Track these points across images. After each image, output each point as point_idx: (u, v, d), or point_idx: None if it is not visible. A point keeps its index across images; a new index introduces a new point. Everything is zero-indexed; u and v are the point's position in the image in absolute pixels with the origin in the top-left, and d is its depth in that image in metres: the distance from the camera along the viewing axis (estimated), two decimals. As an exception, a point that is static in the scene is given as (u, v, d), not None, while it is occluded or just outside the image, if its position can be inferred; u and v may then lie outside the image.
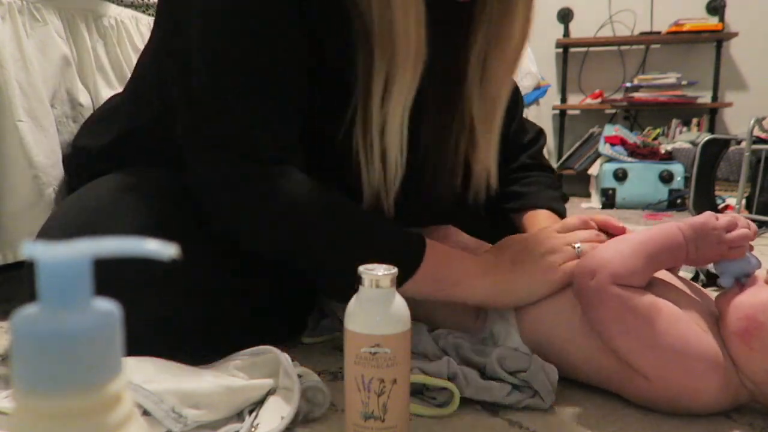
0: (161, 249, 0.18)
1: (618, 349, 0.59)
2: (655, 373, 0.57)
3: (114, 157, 0.78)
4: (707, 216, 0.60)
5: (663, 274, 0.64)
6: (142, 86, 0.80)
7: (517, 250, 0.70)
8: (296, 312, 0.82)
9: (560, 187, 0.98)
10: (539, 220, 0.87)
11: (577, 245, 0.68)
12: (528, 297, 0.68)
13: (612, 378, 0.61)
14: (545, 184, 0.94)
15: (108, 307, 0.20)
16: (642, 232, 0.62)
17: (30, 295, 0.64)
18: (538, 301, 0.67)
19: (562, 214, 0.89)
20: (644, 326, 0.57)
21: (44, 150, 0.88)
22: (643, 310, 0.57)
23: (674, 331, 0.56)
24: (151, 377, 0.53)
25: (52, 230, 0.68)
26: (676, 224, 0.60)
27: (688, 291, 0.63)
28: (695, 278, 1.07)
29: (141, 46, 1.04)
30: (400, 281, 0.58)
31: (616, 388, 0.62)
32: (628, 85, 3.31)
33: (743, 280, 0.58)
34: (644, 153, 2.91)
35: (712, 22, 3.22)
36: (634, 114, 3.46)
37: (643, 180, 2.81)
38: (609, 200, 2.86)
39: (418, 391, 0.60)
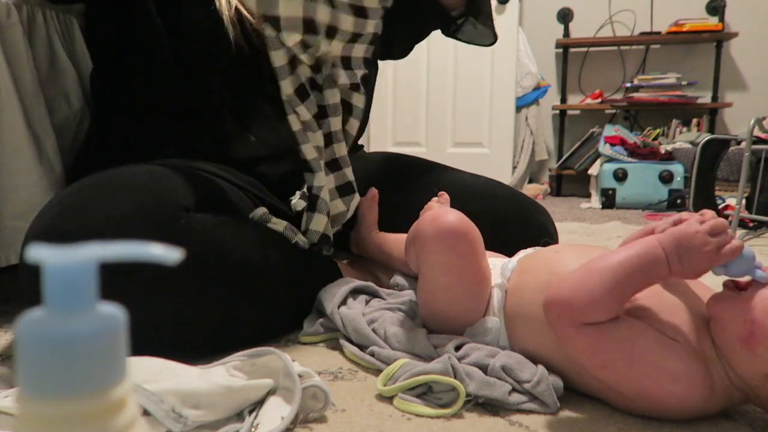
0: (166, 254, 0.18)
1: (596, 376, 0.58)
2: (635, 396, 0.56)
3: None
4: (689, 223, 0.55)
5: None
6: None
7: None
8: (295, 311, 0.82)
9: None
10: None
11: None
12: None
13: (594, 388, 0.61)
14: None
15: (113, 311, 0.20)
16: (619, 253, 0.56)
17: (27, 296, 0.64)
18: (525, 314, 0.66)
19: None
20: (617, 360, 0.55)
21: (46, 152, 0.88)
22: (613, 345, 0.55)
23: (649, 359, 0.54)
24: (151, 377, 0.52)
25: (47, 210, 0.69)
26: (655, 237, 0.56)
27: (675, 291, 0.60)
28: None
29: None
30: None
31: (601, 396, 0.61)
32: (628, 85, 3.31)
33: (745, 279, 0.54)
34: (644, 153, 2.91)
35: (712, 22, 3.22)
36: (634, 114, 3.46)
37: (643, 180, 2.81)
38: (609, 200, 2.86)
39: (423, 393, 0.60)
